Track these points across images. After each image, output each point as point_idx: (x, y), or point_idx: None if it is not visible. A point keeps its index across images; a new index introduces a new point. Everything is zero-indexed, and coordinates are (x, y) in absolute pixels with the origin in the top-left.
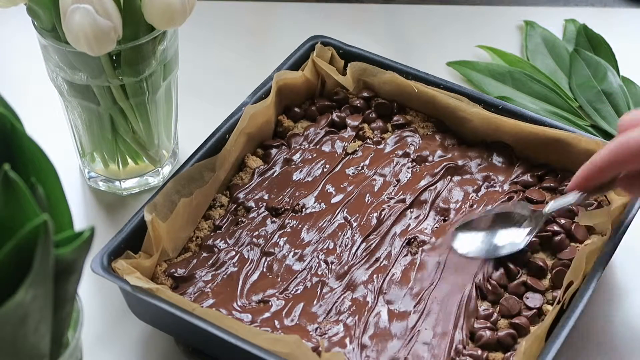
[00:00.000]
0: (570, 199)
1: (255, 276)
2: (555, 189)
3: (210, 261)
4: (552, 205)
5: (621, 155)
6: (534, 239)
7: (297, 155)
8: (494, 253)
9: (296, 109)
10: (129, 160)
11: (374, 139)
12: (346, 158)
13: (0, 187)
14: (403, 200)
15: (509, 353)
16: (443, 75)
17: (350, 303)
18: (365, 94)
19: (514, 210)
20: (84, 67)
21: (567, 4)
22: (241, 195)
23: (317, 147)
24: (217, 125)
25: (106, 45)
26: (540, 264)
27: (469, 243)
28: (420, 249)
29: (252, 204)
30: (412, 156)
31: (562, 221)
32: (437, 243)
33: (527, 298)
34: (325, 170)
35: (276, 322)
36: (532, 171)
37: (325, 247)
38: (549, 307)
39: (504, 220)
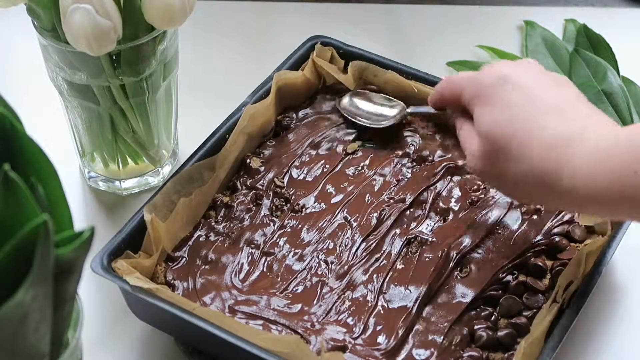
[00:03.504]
0: (426, 108)
1: (255, 276)
2: None
3: None
4: (413, 108)
5: (445, 89)
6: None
7: None
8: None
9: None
10: (129, 160)
11: None
12: (346, 158)
13: (0, 187)
14: (403, 200)
15: (509, 353)
16: (443, 75)
17: (350, 303)
18: None
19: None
20: (84, 67)
21: (567, 4)
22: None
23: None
24: (217, 125)
25: (106, 45)
26: (540, 264)
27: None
28: (421, 248)
29: None
30: (412, 156)
31: (563, 221)
32: None
33: (527, 298)
34: (325, 170)
35: None
36: None
37: (325, 247)
38: None
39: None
